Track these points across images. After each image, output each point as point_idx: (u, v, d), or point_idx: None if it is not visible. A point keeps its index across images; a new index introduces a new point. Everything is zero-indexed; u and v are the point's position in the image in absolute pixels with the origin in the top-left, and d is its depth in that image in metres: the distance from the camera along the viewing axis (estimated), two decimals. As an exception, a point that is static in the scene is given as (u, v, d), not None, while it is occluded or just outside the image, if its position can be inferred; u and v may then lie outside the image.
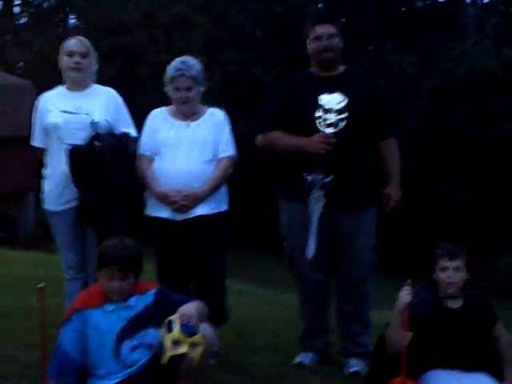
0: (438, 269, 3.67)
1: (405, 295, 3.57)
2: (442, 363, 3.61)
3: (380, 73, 19.45)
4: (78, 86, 4.30)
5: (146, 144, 4.31)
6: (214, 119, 4.32)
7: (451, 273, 3.63)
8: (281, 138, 4.31)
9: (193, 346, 3.19)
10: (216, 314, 3.76)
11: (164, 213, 4.23)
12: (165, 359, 3.19)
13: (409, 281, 3.60)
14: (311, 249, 4.20)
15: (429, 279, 3.72)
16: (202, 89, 4.32)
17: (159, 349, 3.24)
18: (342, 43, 4.34)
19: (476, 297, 3.77)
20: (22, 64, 25.98)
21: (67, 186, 4.19)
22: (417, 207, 18.26)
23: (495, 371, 3.66)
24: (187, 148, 4.21)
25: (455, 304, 3.69)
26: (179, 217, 4.20)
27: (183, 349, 3.17)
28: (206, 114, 4.33)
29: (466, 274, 3.67)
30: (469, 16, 24.53)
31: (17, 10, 28.02)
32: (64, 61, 4.28)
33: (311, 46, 4.32)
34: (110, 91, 4.39)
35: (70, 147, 4.11)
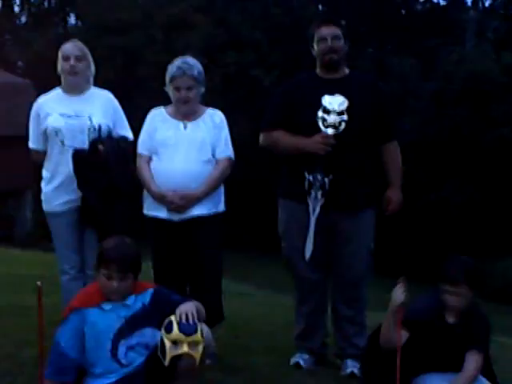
0: (441, 289, 3.58)
1: (399, 294, 3.53)
2: (434, 369, 3.58)
3: (379, 75, 19.46)
4: (76, 89, 4.34)
5: (144, 143, 4.32)
6: (213, 120, 4.32)
7: (452, 298, 3.54)
8: (282, 138, 4.32)
9: (192, 345, 3.19)
10: (211, 314, 3.76)
11: (161, 213, 4.23)
12: (166, 360, 3.19)
13: (402, 278, 3.55)
14: (309, 249, 4.22)
15: (436, 287, 3.63)
16: (203, 89, 4.33)
17: (159, 350, 3.24)
18: (348, 46, 4.35)
19: (475, 313, 3.65)
20: (21, 63, 25.97)
21: (68, 188, 4.25)
22: (414, 210, 18.27)
23: (488, 374, 3.64)
24: (185, 148, 4.22)
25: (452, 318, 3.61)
26: (176, 217, 4.21)
27: (183, 349, 3.17)
28: (205, 115, 4.33)
29: (469, 295, 3.56)
30: (469, 20, 24.56)
31: (17, 9, 28.04)
32: (61, 65, 4.33)
33: (316, 47, 4.33)
34: (107, 94, 4.43)
35: (74, 150, 4.14)
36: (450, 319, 3.61)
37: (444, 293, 3.57)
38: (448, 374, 3.57)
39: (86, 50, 4.37)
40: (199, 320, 3.27)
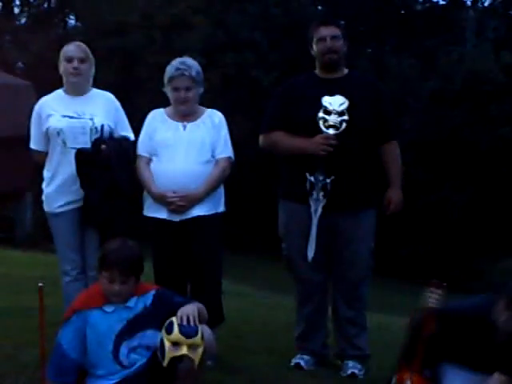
0: (501, 309, 3.28)
1: (432, 300, 3.34)
2: (465, 364, 3.40)
3: (378, 75, 19.46)
4: (78, 90, 4.36)
5: (144, 145, 4.33)
6: (212, 120, 4.33)
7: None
8: (282, 139, 4.33)
9: (192, 347, 3.19)
10: (212, 315, 3.77)
11: (161, 213, 4.24)
12: (165, 361, 3.20)
13: (435, 281, 3.35)
14: (311, 250, 4.22)
15: (491, 291, 3.43)
16: (201, 90, 4.34)
17: (159, 351, 3.25)
18: (346, 46, 4.36)
19: None
20: (21, 64, 25.97)
21: (69, 188, 4.27)
22: (414, 211, 18.27)
23: None
24: (185, 149, 4.23)
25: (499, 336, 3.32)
26: (176, 218, 4.22)
27: (183, 350, 3.18)
28: (204, 115, 4.34)
29: None
30: (468, 19, 24.56)
31: (16, 10, 28.06)
32: (63, 66, 4.34)
33: (315, 47, 4.34)
34: (108, 95, 4.46)
35: (78, 150, 4.17)
36: (496, 335, 3.30)
37: (503, 315, 3.27)
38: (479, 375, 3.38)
39: (89, 52, 4.39)
40: (201, 322, 3.28)
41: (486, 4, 26.00)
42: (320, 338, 4.48)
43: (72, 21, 28.43)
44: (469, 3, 25.94)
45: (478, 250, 17.98)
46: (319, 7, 26.10)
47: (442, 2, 26.60)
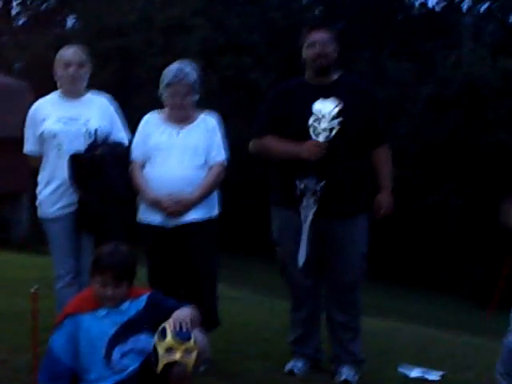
0: None
1: None
2: None
3: (376, 79, 19.48)
4: (74, 94, 4.35)
5: (138, 149, 4.31)
6: (206, 124, 4.32)
7: None
8: (274, 144, 4.33)
9: (186, 352, 3.19)
10: (207, 320, 3.77)
11: (156, 218, 4.23)
12: (159, 367, 3.19)
13: None
14: (302, 255, 4.22)
15: None
16: (197, 96, 4.32)
17: (153, 356, 3.24)
18: (337, 51, 4.35)
19: None
20: (19, 65, 25.94)
21: (64, 192, 4.25)
22: (410, 214, 18.28)
23: None
24: (179, 153, 4.21)
25: None
26: (171, 223, 4.20)
27: (177, 355, 3.18)
28: (198, 119, 4.33)
29: None
30: (465, 24, 24.60)
31: (15, 11, 28.03)
32: (60, 70, 4.31)
33: (306, 52, 4.34)
34: (103, 99, 4.44)
35: (72, 154, 4.14)
36: None
37: None
38: None
39: (86, 56, 4.37)
40: (194, 326, 3.28)
41: (483, 9, 26.05)
42: (314, 343, 4.48)
43: (71, 22, 28.42)
44: (465, 8, 25.99)
45: (474, 253, 17.98)
46: (318, 11, 26.13)
47: (438, 8, 26.66)
